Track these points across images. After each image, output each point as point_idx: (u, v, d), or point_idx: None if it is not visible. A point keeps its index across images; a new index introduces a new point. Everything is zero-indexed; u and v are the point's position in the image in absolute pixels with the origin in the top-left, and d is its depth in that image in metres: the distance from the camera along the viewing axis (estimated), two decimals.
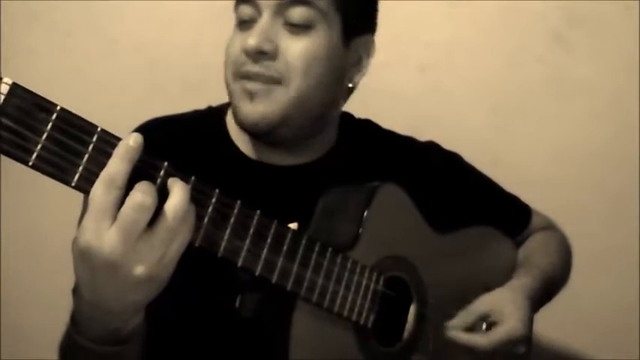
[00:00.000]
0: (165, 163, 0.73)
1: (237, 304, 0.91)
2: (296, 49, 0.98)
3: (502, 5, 1.65)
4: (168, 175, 0.73)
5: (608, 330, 1.68)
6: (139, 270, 0.70)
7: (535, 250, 1.24)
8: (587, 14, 1.65)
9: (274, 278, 0.84)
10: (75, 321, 0.80)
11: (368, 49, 1.08)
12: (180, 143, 1.05)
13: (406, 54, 1.66)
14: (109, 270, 0.70)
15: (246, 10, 1.01)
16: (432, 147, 1.22)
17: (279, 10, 0.99)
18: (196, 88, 1.60)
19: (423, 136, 1.23)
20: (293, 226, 1.02)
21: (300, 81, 0.99)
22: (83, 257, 0.70)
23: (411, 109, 1.65)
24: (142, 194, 0.68)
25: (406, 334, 1.04)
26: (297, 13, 0.98)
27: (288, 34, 0.99)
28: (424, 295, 1.06)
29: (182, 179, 0.73)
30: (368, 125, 1.20)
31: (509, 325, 1.06)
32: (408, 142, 1.21)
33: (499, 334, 1.05)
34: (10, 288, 1.66)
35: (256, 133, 1.02)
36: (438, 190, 1.16)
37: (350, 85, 1.08)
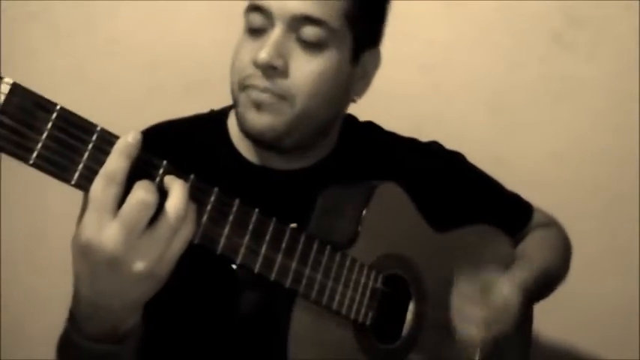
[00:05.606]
0: (165, 162, 0.74)
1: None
2: (306, 70, 0.98)
3: (502, 5, 1.65)
4: (166, 173, 0.74)
5: (608, 329, 1.68)
6: (140, 266, 0.70)
7: (530, 246, 1.25)
8: (587, 14, 1.65)
9: (273, 275, 0.85)
10: (73, 319, 0.80)
11: (375, 62, 1.09)
12: (182, 149, 1.04)
13: (406, 54, 1.66)
14: (110, 266, 0.70)
15: (258, 19, 0.99)
16: (434, 147, 1.23)
17: (293, 26, 0.97)
18: (197, 88, 1.60)
19: (422, 135, 1.23)
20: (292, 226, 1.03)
21: (305, 101, 0.99)
22: (84, 253, 0.70)
23: (411, 108, 1.65)
24: (145, 192, 0.69)
25: (405, 331, 1.05)
26: (311, 31, 0.97)
27: (301, 51, 0.98)
28: (423, 293, 1.07)
29: (181, 177, 0.74)
30: (369, 128, 1.21)
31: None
32: (410, 143, 1.21)
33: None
34: (10, 288, 1.66)
35: (261, 141, 1.02)
36: (440, 189, 1.17)
37: (355, 98, 1.09)
